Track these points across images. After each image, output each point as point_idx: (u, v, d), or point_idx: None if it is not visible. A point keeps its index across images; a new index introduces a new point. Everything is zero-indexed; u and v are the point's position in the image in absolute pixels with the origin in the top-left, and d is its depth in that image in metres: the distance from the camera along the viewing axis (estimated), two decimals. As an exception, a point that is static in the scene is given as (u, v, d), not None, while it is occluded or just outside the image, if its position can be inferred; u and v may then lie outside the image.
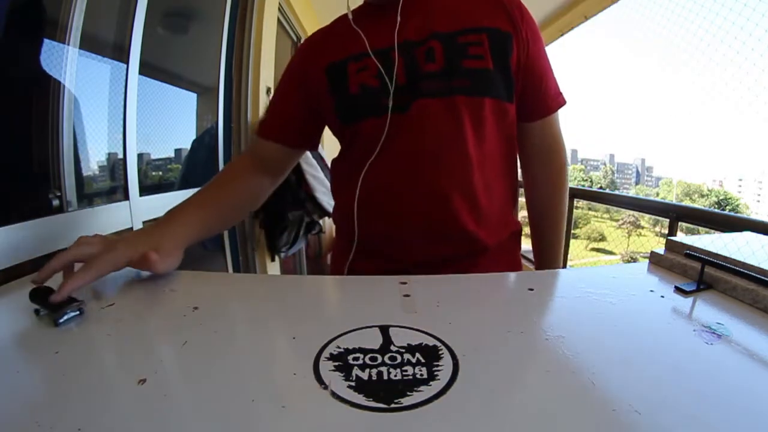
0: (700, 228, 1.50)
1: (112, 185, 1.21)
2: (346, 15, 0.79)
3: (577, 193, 2.33)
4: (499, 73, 0.70)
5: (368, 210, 0.73)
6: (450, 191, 0.68)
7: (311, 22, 3.29)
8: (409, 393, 0.32)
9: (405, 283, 0.55)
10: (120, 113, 1.20)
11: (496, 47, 0.69)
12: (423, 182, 0.69)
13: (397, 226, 0.71)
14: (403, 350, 0.38)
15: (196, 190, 0.80)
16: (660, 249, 0.67)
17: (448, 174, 0.68)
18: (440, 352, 0.37)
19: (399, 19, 0.71)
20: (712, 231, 1.40)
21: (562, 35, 3.29)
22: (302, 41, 0.88)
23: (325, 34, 0.83)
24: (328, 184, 2.26)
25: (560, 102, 0.80)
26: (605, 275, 0.61)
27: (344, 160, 0.81)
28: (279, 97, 0.85)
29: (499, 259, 0.76)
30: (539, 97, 0.77)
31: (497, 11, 0.72)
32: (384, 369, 0.35)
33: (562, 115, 0.83)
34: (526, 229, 0.88)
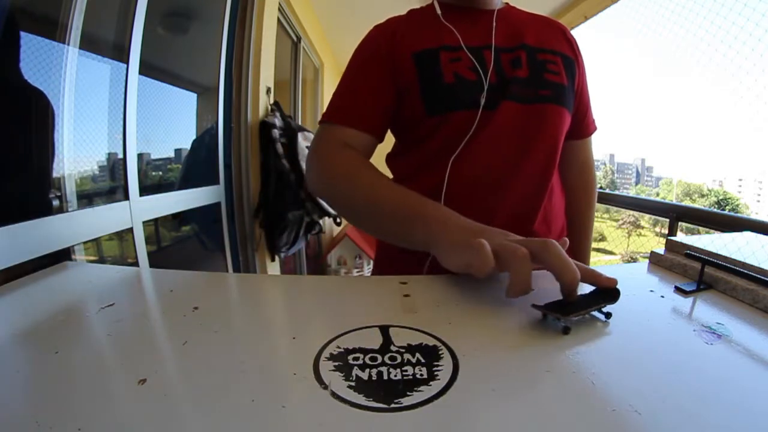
0: (700, 228, 1.50)
1: (112, 185, 1.21)
2: (421, 9, 0.82)
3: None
4: (570, 90, 0.77)
5: (447, 204, 0.73)
6: (530, 191, 0.73)
7: (311, 22, 3.29)
8: (409, 393, 0.32)
9: (405, 283, 0.55)
10: (120, 113, 1.20)
11: (568, 69, 0.77)
12: (506, 181, 0.71)
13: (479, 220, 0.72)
14: (403, 350, 0.38)
15: (195, 190, 0.79)
16: (660, 249, 0.67)
17: (530, 175, 0.72)
18: (440, 352, 0.37)
19: (495, 24, 0.76)
20: (712, 231, 1.39)
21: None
22: (375, 27, 0.81)
23: (403, 22, 0.80)
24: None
25: (595, 127, 0.92)
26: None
27: (416, 154, 0.78)
28: (366, 83, 0.77)
29: None
30: (584, 120, 0.88)
31: (563, 40, 0.81)
32: (384, 369, 0.35)
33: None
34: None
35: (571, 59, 0.79)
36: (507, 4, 0.83)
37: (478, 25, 0.76)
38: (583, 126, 0.88)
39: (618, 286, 0.46)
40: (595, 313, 0.45)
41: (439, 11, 0.78)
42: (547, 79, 0.74)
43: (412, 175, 0.79)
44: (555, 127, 0.74)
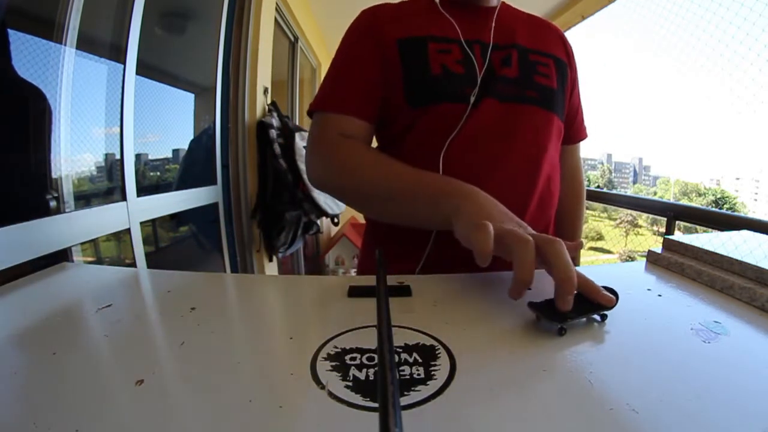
0: (698, 227, 1.50)
1: (109, 186, 1.21)
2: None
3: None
4: (560, 95, 0.75)
5: None
6: (510, 195, 0.68)
7: (308, 22, 3.29)
8: (406, 393, 0.31)
9: (402, 282, 0.55)
10: (117, 114, 1.20)
11: (559, 72, 0.76)
12: (483, 182, 0.67)
13: None
14: (401, 350, 0.38)
15: (194, 190, 0.79)
16: (657, 248, 0.67)
17: (509, 179, 0.70)
18: (437, 352, 0.37)
19: (494, 24, 0.75)
20: (710, 230, 1.40)
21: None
22: (362, 11, 0.78)
23: (394, 8, 0.78)
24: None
25: (586, 134, 0.91)
26: (603, 274, 0.61)
27: (392, 151, 0.72)
28: (357, 68, 0.74)
29: None
30: (574, 126, 0.87)
31: (558, 43, 0.81)
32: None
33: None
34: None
35: (564, 63, 0.79)
36: (503, 3, 0.82)
37: (472, 19, 0.75)
38: (572, 132, 0.86)
39: (615, 287, 0.46)
40: (594, 315, 0.44)
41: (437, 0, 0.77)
42: (537, 82, 0.73)
43: None
44: (538, 130, 0.72)
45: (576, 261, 0.91)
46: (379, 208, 0.69)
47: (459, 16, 0.75)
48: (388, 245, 0.74)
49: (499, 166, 0.70)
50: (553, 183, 0.77)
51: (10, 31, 0.82)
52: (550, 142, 0.74)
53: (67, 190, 0.99)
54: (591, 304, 0.43)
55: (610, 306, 0.43)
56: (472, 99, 0.68)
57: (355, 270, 3.87)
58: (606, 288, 0.45)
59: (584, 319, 0.43)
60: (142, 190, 1.33)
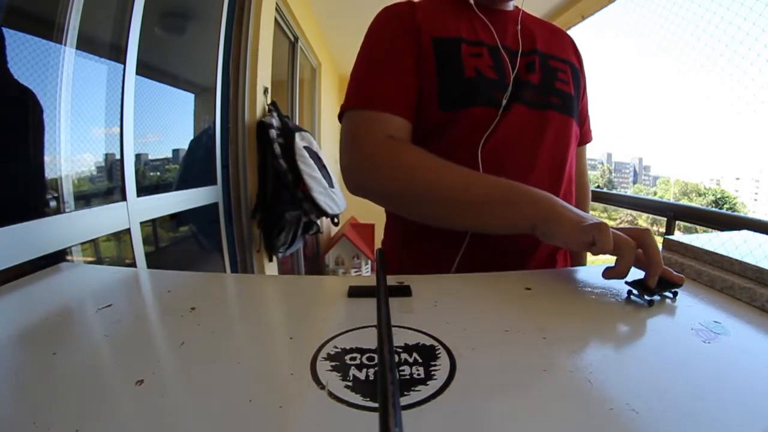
0: (698, 227, 1.50)
1: (109, 186, 1.21)
2: None
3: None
4: (576, 101, 0.76)
5: None
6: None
7: (309, 22, 3.29)
8: (406, 393, 0.31)
9: (402, 282, 0.55)
10: (117, 114, 1.20)
11: (574, 78, 0.78)
12: (524, 178, 0.66)
13: None
14: (401, 350, 0.38)
15: (194, 190, 0.78)
16: (657, 248, 0.67)
17: (541, 180, 0.69)
18: (437, 352, 0.37)
19: (519, 26, 0.76)
20: (710, 230, 1.40)
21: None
22: (396, 4, 0.74)
23: (422, 3, 0.74)
24: (326, 184, 2.25)
25: (591, 137, 0.92)
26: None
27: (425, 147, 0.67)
28: (399, 61, 0.69)
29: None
30: (582, 130, 0.87)
31: (570, 49, 0.83)
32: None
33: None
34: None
35: (577, 69, 0.80)
36: (516, 7, 0.81)
37: (498, 23, 0.75)
38: (581, 135, 0.86)
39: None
40: (667, 293, 0.51)
41: (472, 1, 0.75)
42: (557, 88, 0.73)
43: None
44: (561, 135, 0.73)
45: (582, 260, 0.91)
46: (444, 212, 0.64)
47: (486, 19, 0.75)
48: (420, 247, 0.75)
49: (530, 170, 0.70)
50: (572, 186, 0.78)
51: (11, 31, 0.82)
52: (570, 146, 0.75)
53: (67, 190, 0.99)
54: (666, 282, 0.51)
55: (681, 284, 0.51)
56: (504, 103, 0.67)
57: (354, 270, 3.83)
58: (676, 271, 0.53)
59: (658, 297, 0.51)
60: (142, 190, 1.33)
